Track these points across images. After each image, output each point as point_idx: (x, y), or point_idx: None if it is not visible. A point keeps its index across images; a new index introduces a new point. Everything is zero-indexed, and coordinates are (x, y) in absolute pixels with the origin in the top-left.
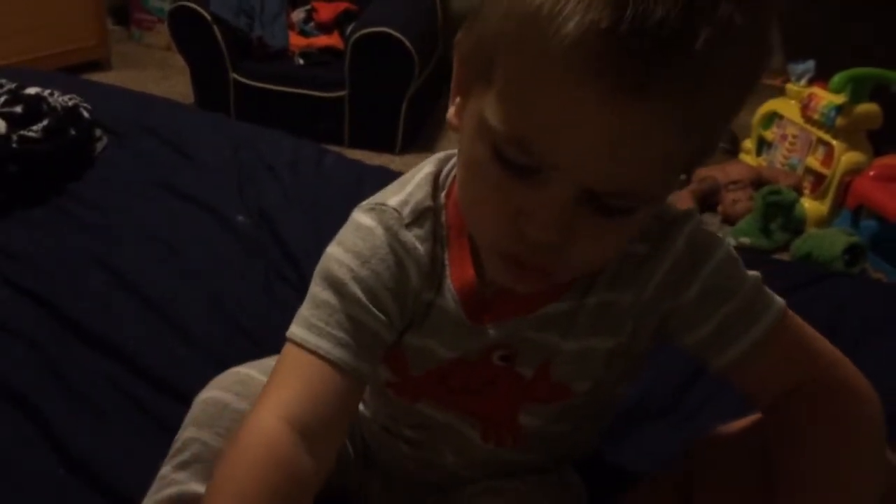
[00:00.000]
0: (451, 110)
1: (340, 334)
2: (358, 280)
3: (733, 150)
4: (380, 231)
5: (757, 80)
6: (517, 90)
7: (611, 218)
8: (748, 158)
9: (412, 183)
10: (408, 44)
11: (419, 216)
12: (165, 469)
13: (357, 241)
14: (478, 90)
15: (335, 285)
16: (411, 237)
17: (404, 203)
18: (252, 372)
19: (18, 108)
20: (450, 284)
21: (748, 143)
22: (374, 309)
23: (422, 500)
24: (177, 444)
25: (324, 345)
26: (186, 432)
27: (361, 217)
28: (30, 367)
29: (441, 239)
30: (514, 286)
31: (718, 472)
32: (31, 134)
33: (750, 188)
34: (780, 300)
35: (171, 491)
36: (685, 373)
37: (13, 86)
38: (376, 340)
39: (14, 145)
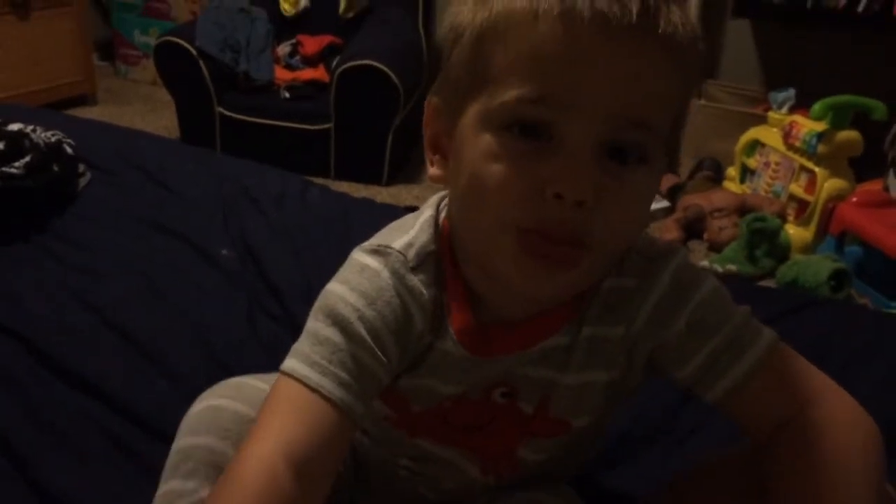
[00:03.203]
0: (432, 168)
1: (342, 374)
2: (364, 320)
3: (717, 178)
4: (385, 274)
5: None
6: (523, 59)
7: (627, 172)
8: (732, 186)
9: (416, 227)
10: (393, 76)
11: (423, 260)
12: (172, 483)
13: (363, 281)
14: (472, 98)
15: (340, 323)
16: (417, 282)
17: (409, 246)
18: (244, 379)
19: (0, 145)
20: (448, 326)
21: (732, 171)
22: (377, 351)
23: None
24: (175, 456)
25: (326, 384)
26: (184, 441)
27: (365, 258)
28: (8, 406)
29: (442, 282)
30: (539, 279)
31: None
32: (12, 170)
33: (735, 215)
34: (770, 333)
35: (184, 503)
36: (677, 396)
37: None
38: (375, 382)
39: None
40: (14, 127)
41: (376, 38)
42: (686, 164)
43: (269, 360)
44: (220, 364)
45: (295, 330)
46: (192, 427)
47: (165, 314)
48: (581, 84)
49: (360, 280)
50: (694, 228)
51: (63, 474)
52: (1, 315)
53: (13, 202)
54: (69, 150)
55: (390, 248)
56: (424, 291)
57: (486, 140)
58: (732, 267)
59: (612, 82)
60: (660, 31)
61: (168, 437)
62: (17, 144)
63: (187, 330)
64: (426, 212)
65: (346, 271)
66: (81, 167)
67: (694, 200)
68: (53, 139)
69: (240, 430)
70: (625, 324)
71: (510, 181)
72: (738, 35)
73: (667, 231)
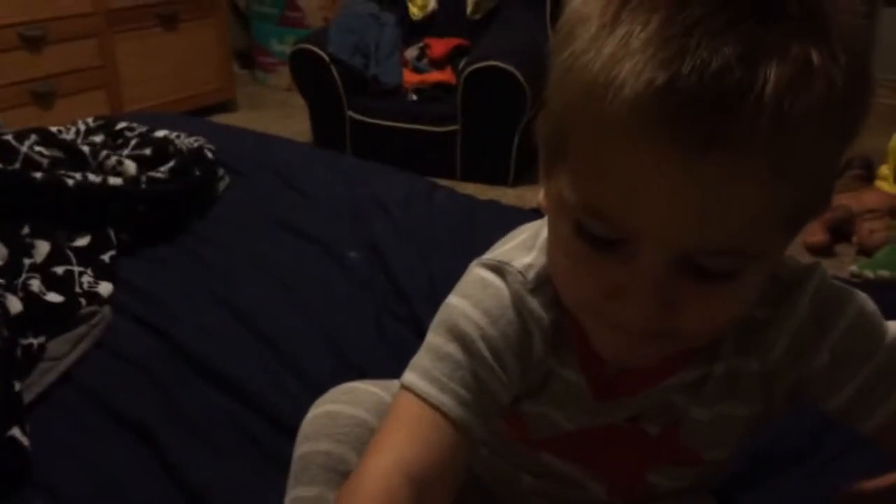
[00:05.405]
0: (541, 193)
1: (463, 392)
2: (486, 339)
3: (868, 177)
4: (506, 293)
5: (858, 116)
6: (588, 161)
7: (713, 283)
8: (885, 185)
9: (536, 247)
10: (519, 76)
11: (543, 283)
12: (297, 490)
13: (485, 298)
14: (556, 170)
15: (462, 340)
16: (536, 304)
17: (529, 267)
18: (356, 384)
19: (147, 151)
20: (574, 358)
21: (884, 170)
22: (499, 370)
23: None
24: (297, 464)
25: (446, 401)
26: (303, 448)
27: (486, 274)
28: (148, 398)
29: (562, 305)
30: (625, 355)
31: None
32: (158, 175)
33: (888, 217)
34: None
35: None
36: (822, 416)
37: (144, 129)
38: (495, 402)
39: (143, 186)
40: (160, 133)
41: (503, 38)
42: None
43: (396, 362)
44: (350, 364)
45: (420, 332)
46: (308, 434)
47: (298, 315)
48: (649, 214)
49: (482, 296)
50: (842, 231)
51: (198, 465)
52: (145, 312)
53: (158, 205)
54: (210, 154)
55: (511, 266)
56: (544, 315)
57: (562, 231)
58: (885, 273)
59: (691, 215)
60: (770, 137)
61: (296, 433)
62: (163, 150)
63: (318, 330)
64: (544, 232)
65: (467, 285)
66: (221, 171)
67: (842, 200)
68: (196, 144)
69: (356, 434)
70: (760, 358)
71: (582, 281)
72: (891, 24)
73: (812, 234)
